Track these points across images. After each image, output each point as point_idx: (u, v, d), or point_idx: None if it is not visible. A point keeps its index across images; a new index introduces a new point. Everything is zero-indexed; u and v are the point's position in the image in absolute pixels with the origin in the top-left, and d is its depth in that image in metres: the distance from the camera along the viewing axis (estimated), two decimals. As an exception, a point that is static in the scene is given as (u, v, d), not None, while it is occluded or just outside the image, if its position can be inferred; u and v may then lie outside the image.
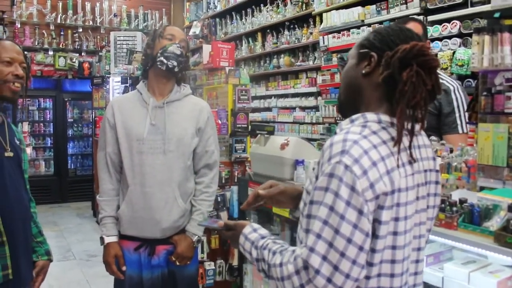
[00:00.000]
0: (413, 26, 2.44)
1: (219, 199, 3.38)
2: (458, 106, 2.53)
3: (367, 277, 1.14)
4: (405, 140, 1.18)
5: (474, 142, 2.19)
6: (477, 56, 2.00)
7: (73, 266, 5.18)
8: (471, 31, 3.60)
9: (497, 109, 1.99)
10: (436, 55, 3.96)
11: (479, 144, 1.96)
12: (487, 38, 1.96)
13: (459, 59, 3.75)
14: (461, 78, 3.88)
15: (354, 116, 1.23)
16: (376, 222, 1.11)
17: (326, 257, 1.08)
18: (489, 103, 2.02)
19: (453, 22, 3.90)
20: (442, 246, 1.96)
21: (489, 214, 1.70)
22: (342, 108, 1.35)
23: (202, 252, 3.38)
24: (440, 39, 4.00)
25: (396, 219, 1.13)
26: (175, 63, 2.25)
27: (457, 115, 2.53)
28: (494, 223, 1.65)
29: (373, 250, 1.12)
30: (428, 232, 1.31)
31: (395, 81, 1.16)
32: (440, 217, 1.76)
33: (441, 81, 2.76)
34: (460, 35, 3.88)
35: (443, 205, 1.78)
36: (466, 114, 2.53)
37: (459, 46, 3.84)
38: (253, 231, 1.32)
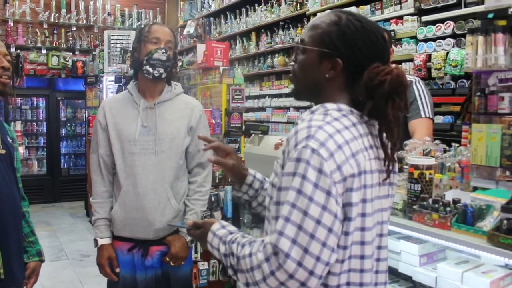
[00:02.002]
0: None
1: (213, 199, 3.37)
2: (419, 95, 2.70)
3: (341, 261, 1.14)
4: (364, 127, 1.22)
5: (467, 143, 2.20)
6: (471, 57, 2.00)
7: (66, 266, 5.16)
8: (465, 31, 3.62)
9: (491, 109, 2.00)
10: (430, 55, 3.98)
11: (472, 144, 1.97)
12: (481, 38, 1.96)
13: (452, 60, 3.76)
14: (454, 78, 3.90)
15: (314, 108, 1.25)
16: (347, 205, 1.12)
17: (295, 240, 1.07)
18: (483, 104, 2.03)
19: (447, 23, 3.91)
20: (435, 246, 1.97)
21: (482, 214, 1.70)
22: (299, 96, 1.37)
23: (196, 252, 3.38)
24: (434, 40, 4.01)
25: (364, 201, 1.15)
26: (161, 71, 2.22)
27: (419, 102, 2.69)
28: (487, 223, 1.66)
29: (346, 233, 1.13)
30: (388, 221, 1.32)
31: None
32: (433, 217, 1.76)
33: None
34: (453, 35, 3.89)
35: (436, 205, 1.78)
36: (429, 101, 2.70)
37: (453, 46, 3.85)
38: (221, 228, 1.30)
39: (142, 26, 2.34)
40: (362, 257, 1.17)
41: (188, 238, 2.30)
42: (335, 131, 1.14)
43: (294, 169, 1.11)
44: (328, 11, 1.33)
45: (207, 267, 3.41)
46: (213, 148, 1.53)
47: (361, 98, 1.20)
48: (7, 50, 2.00)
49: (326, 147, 1.10)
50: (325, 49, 1.24)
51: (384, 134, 1.21)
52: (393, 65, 1.23)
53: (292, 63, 1.36)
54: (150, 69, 2.20)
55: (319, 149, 1.09)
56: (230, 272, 1.22)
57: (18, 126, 8.00)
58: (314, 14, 5.59)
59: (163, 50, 2.21)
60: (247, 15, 7.23)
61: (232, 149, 1.56)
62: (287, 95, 6.49)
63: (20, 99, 8.42)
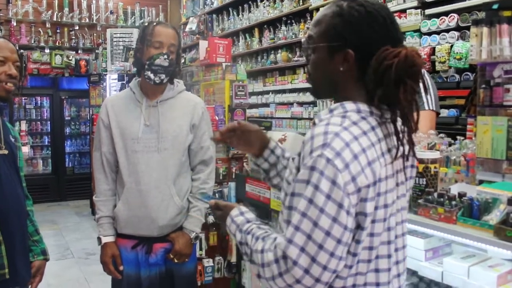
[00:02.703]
0: None
1: (217, 195, 3.37)
2: (424, 87, 2.61)
3: (350, 267, 1.13)
4: (384, 129, 1.18)
5: (472, 136, 2.17)
6: (476, 48, 1.98)
7: (72, 265, 5.17)
8: (469, 24, 3.58)
9: (496, 101, 1.98)
10: (434, 48, 3.95)
11: (478, 137, 1.95)
12: (485, 30, 1.94)
13: (457, 53, 3.73)
14: (459, 71, 3.87)
15: (332, 106, 1.21)
16: (362, 214, 1.10)
17: (304, 248, 1.07)
18: (488, 96, 2.01)
19: (451, 15, 3.88)
20: (441, 241, 1.95)
21: (489, 207, 1.68)
22: (318, 94, 1.35)
23: (201, 249, 3.37)
24: (437, 33, 3.98)
25: (376, 208, 1.13)
26: (162, 77, 2.20)
27: (423, 94, 2.65)
28: (493, 217, 1.64)
29: (357, 241, 1.11)
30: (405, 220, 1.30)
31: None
32: (439, 211, 1.74)
33: None
34: (458, 28, 3.86)
35: (441, 199, 1.76)
36: (433, 93, 2.68)
37: (457, 39, 3.82)
38: (240, 214, 1.32)
39: (146, 24, 2.31)
40: (369, 261, 1.16)
41: (192, 235, 2.30)
42: (352, 138, 1.10)
43: (308, 177, 1.08)
44: (330, 2, 1.29)
45: (212, 264, 3.41)
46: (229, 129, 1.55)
47: (371, 85, 1.15)
48: (19, 56, 1.98)
49: (341, 157, 1.06)
50: (333, 42, 1.20)
51: (400, 122, 1.17)
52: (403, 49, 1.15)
53: (306, 63, 1.33)
54: (152, 76, 2.18)
55: (334, 159, 1.06)
56: (245, 258, 1.23)
57: (23, 125, 8.02)
58: (317, 9, 5.57)
59: (165, 56, 2.18)
60: (249, 11, 7.22)
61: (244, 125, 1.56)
62: (290, 91, 6.47)
63: (24, 99, 8.44)
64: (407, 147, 1.22)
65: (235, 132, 1.54)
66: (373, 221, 1.13)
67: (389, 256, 1.20)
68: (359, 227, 1.11)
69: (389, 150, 1.17)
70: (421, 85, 2.81)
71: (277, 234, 1.18)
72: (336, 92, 1.24)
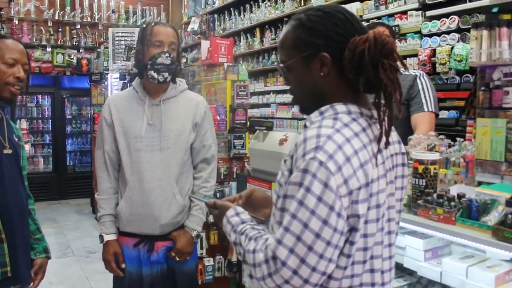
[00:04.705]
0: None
1: (218, 195, 3.38)
2: (423, 88, 2.75)
3: (344, 268, 1.14)
4: (374, 129, 1.19)
5: (472, 137, 2.19)
6: (475, 51, 2.00)
7: (73, 263, 5.19)
8: (470, 26, 3.60)
9: (495, 104, 1.99)
10: (435, 50, 3.96)
11: (477, 139, 1.96)
12: (485, 33, 1.96)
13: (457, 55, 3.74)
14: (459, 73, 3.89)
15: (323, 108, 1.21)
16: (355, 216, 1.11)
17: (293, 250, 1.08)
18: (487, 98, 2.02)
19: (452, 17, 3.89)
20: (440, 241, 1.97)
21: (487, 208, 1.70)
22: (308, 111, 1.30)
23: (201, 248, 3.39)
24: (438, 35, 4.00)
25: (368, 209, 1.14)
26: (166, 75, 2.22)
27: (422, 96, 2.73)
28: (492, 218, 1.65)
29: (351, 243, 1.12)
30: (398, 214, 1.31)
31: (360, 69, 1.15)
32: (438, 212, 1.76)
33: (407, 73, 2.87)
34: (458, 30, 3.88)
35: (441, 200, 1.78)
36: (432, 95, 2.74)
37: (458, 41, 3.84)
38: (235, 215, 1.32)
39: (144, 26, 2.33)
40: (364, 262, 1.17)
41: (193, 233, 2.32)
42: (344, 140, 1.11)
43: (300, 180, 1.09)
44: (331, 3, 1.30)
45: (213, 263, 3.42)
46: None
47: (351, 75, 1.16)
48: (28, 59, 1.98)
49: (334, 160, 1.07)
50: (305, 52, 1.21)
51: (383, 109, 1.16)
52: (371, 31, 1.17)
53: (288, 87, 1.34)
54: (155, 75, 2.20)
55: (327, 162, 1.07)
56: (239, 258, 1.24)
57: (24, 124, 8.03)
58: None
59: (167, 54, 2.20)
60: (251, 11, 7.23)
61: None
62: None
63: (26, 97, 8.44)
64: (395, 145, 1.25)
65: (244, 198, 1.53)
66: (366, 222, 1.14)
67: (382, 256, 1.22)
68: (352, 228, 1.11)
69: (380, 151, 1.18)
70: (419, 87, 2.78)
71: (270, 235, 1.19)
72: (325, 101, 1.23)
